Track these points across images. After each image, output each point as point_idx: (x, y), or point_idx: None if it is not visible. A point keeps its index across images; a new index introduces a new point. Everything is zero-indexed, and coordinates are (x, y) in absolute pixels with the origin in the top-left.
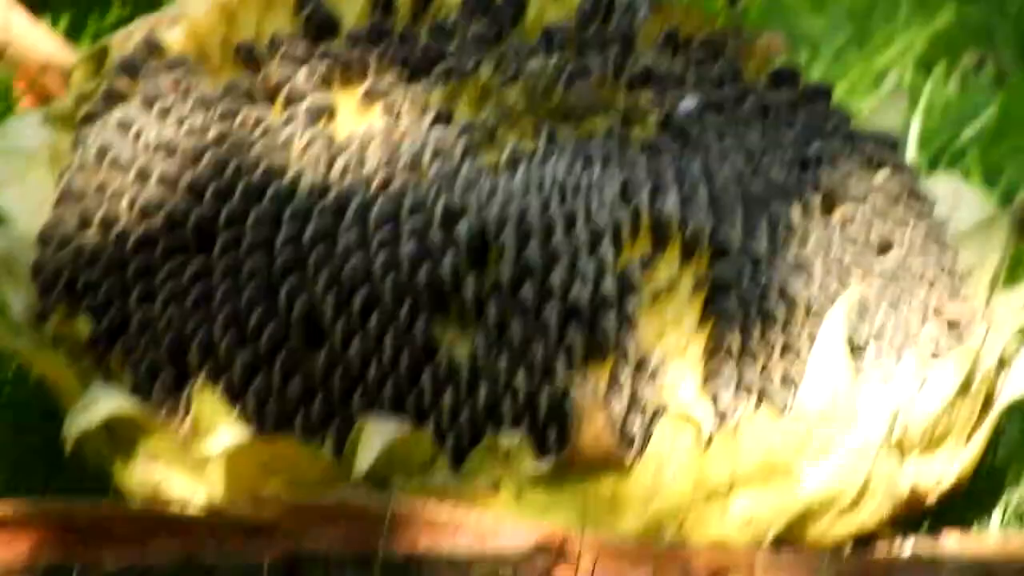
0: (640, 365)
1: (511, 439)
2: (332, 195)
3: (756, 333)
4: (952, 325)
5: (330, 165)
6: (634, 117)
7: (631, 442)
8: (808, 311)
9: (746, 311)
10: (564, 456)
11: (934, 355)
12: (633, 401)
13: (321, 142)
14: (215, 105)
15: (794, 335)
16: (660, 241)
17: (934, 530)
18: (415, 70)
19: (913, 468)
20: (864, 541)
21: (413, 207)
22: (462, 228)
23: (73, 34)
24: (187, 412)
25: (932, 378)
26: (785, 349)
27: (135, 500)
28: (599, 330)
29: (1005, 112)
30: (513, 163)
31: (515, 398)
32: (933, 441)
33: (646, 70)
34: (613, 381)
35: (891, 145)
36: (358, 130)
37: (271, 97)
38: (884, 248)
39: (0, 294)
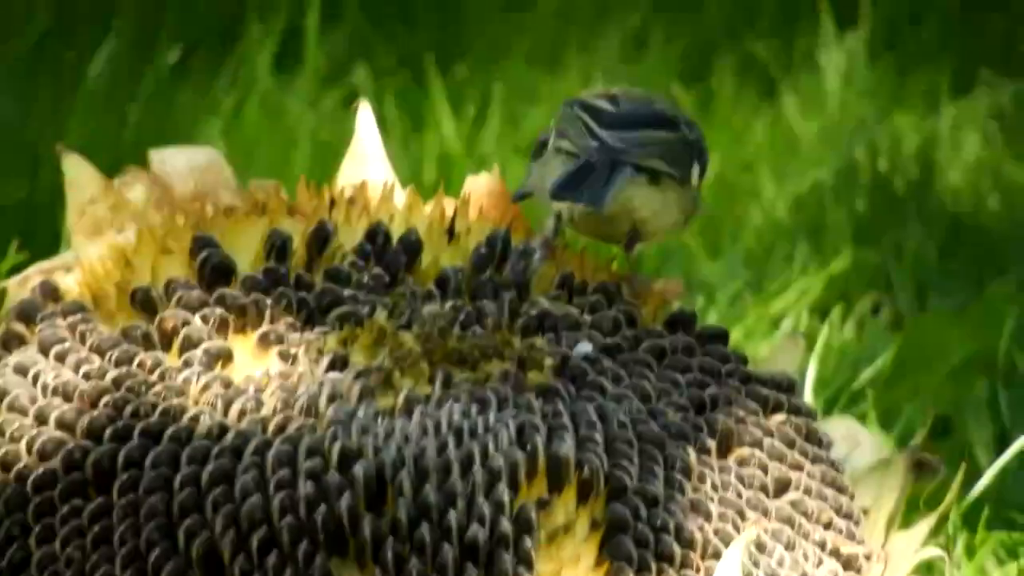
0: None
1: None
2: (230, 437)
3: (653, 574)
4: (848, 566)
5: (227, 408)
6: (530, 361)
7: None
8: (704, 552)
9: (642, 552)
10: None
11: None
12: None
13: (218, 386)
14: (112, 350)
15: None
16: (556, 482)
17: None
18: (310, 315)
19: None
20: None
21: (310, 449)
22: (359, 470)
23: None
24: None
25: None
26: None
27: None
28: (496, 570)
29: (902, 355)
30: (409, 407)
31: None
32: None
33: (541, 315)
34: None
35: (788, 388)
36: (255, 374)
37: (168, 342)
38: (780, 490)
39: None
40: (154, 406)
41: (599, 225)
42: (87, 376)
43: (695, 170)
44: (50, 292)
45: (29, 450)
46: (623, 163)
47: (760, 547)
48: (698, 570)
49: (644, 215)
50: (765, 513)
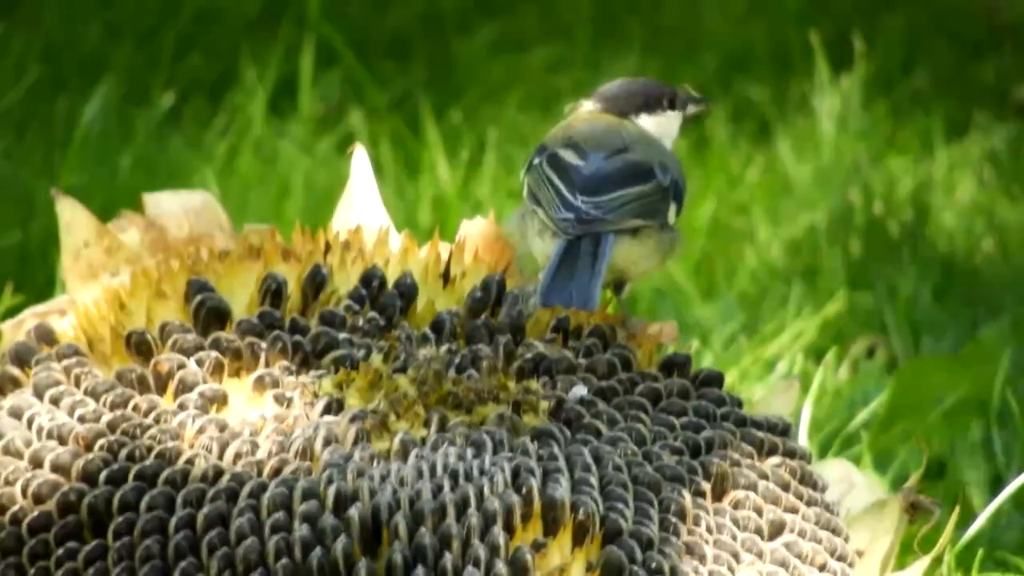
0: None
1: None
2: (225, 480)
3: None
4: None
5: (223, 451)
6: (525, 405)
7: None
8: None
9: None
10: None
11: None
12: None
13: (213, 429)
14: (107, 393)
15: None
16: (552, 525)
17: None
18: (306, 358)
19: None
20: None
21: (306, 492)
22: (354, 513)
23: None
24: None
25: None
26: None
27: None
28: None
29: (896, 398)
30: (404, 450)
31: None
32: None
33: (536, 358)
34: None
35: (782, 431)
36: (250, 417)
37: (163, 385)
38: (775, 532)
39: None
40: (149, 449)
41: None
42: (82, 419)
43: (672, 210)
44: (45, 335)
45: (24, 493)
46: (603, 233)
47: None
48: None
49: (626, 266)
50: (760, 556)
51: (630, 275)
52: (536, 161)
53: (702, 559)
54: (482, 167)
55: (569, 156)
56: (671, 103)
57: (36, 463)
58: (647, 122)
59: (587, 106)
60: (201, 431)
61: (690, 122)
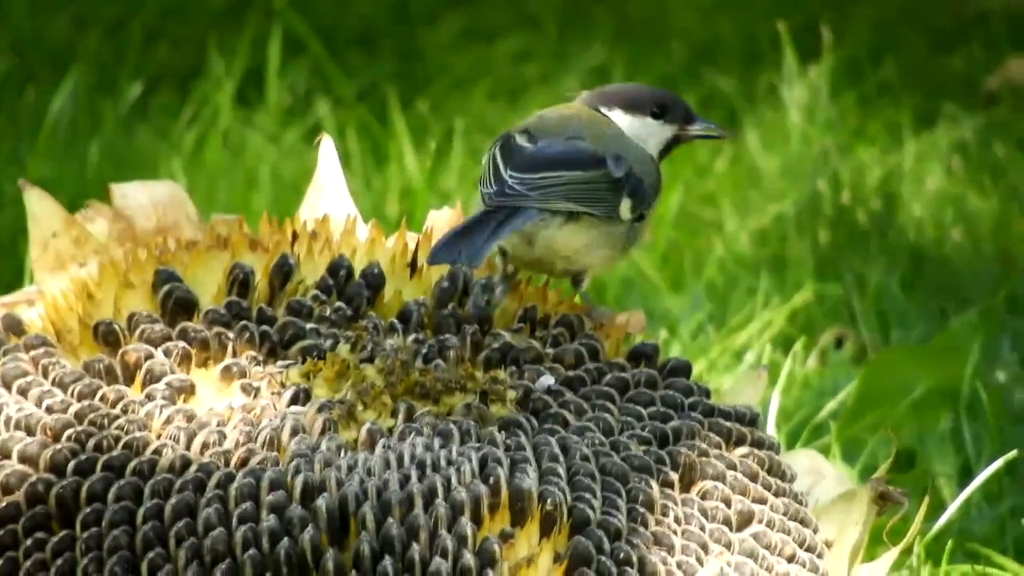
0: None
1: None
2: (193, 471)
3: None
4: None
5: (190, 442)
6: (492, 394)
7: None
8: None
9: None
10: None
11: None
12: None
13: (181, 419)
14: (75, 383)
15: None
16: (519, 516)
17: None
18: (273, 348)
19: None
20: None
21: (273, 483)
22: (321, 503)
23: None
24: None
25: None
26: None
27: None
28: None
29: (864, 388)
30: (372, 440)
31: None
32: None
33: (503, 348)
34: None
35: (751, 421)
36: (217, 407)
37: (130, 375)
38: (744, 523)
39: None
40: (117, 439)
41: (532, 262)
42: (50, 410)
43: (624, 204)
44: (12, 326)
45: None
46: (526, 209)
47: None
48: None
49: (568, 253)
50: (728, 546)
51: (579, 265)
52: (494, 142)
53: (670, 549)
54: (449, 157)
55: (522, 140)
56: (657, 113)
57: (4, 454)
58: (622, 120)
59: (579, 98)
60: (168, 421)
61: (686, 141)
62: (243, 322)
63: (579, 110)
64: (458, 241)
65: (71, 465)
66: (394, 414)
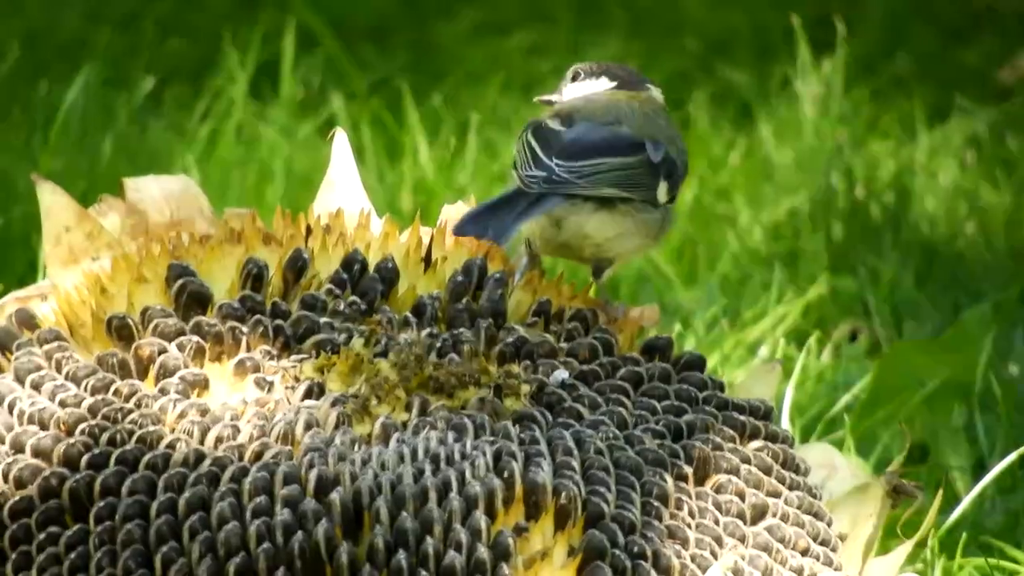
0: None
1: None
2: (206, 464)
3: None
4: None
5: (204, 436)
6: (506, 388)
7: None
8: None
9: None
10: None
11: None
12: None
13: (194, 413)
14: (88, 378)
15: None
16: (533, 509)
17: None
18: (287, 342)
19: None
20: None
21: (287, 477)
22: (335, 497)
23: None
24: None
25: None
26: None
27: None
28: None
29: (878, 382)
30: (386, 434)
31: None
32: None
33: (518, 342)
34: None
35: (764, 415)
36: (231, 401)
37: (144, 369)
38: (758, 517)
39: None
40: (130, 434)
41: (559, 249)
42: (63, 404)
43: (662, 187)
44: (26, 320)
45: (5, 478)
46: (557, 194)
47: (737, 574)
48: None
49: (600, 240)
50: (742, 540)
51: (610, 253)
52: (524, 128)
53: (684, 543)
54: (464, 151)
55: (555, 124)
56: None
57: (17, 448)
58: (656, 92)
59: (602, 83)
60: (182, 415)
61: None
62: (257, 316)
63: (611, 94)
64: (487, 216)
65: (84, 459)
66: (408, 408)
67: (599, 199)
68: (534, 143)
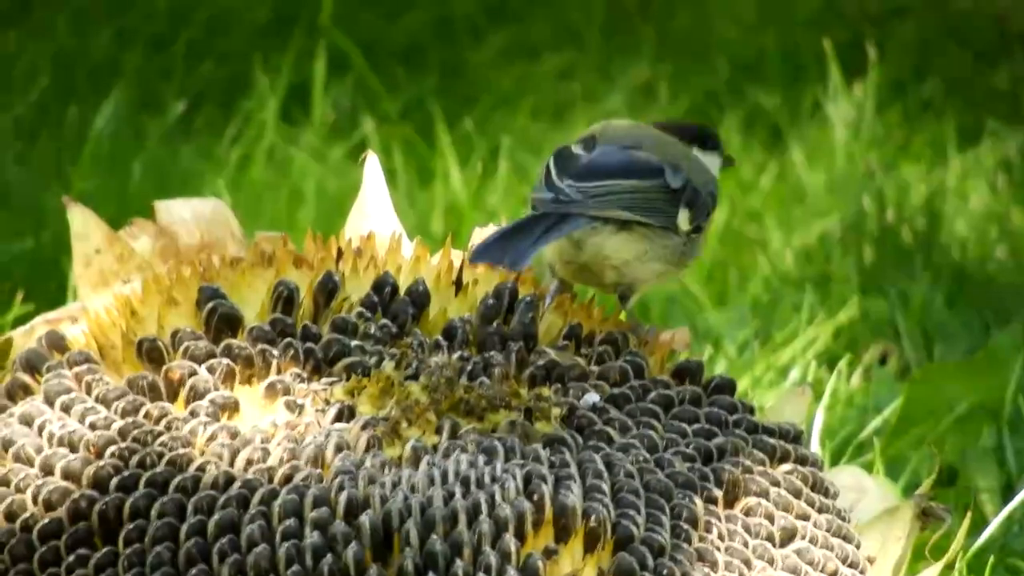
0: None
1: None
2: (236, 487)
3: None
4: None
5: (234, 458)
6: (537, 411)
7: None
8: None
9: None
10: None
11: None
12: None
13: (224, 436)
14: (118, 400)
15: None
16: (563, 532)
17: None
18: (317, 365)
19: None
20: None
21: (317, 499)
22: (365, 520)
23: None
24: None
25: None
26: None
27: None
28: None
29: (908, 405)
30: (416, 457)
31: None
32: None
33: (548, 365)
34: None
35: (794, 438)
36: (261, 424)
37: (174, 392)
38: (787, 539)
39: None
40: (160, 456)
41: (580, 274)
42: (93, 426)
43: (682, 215)
44: (56, 342)
45: (35, 500)
46: (576, 216)
47: None
48: None
49: (618, 264)
50: (771, 562)
51: (629, 278)
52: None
53: (714, 566)
54: (495, 175)
55: (577, 148)
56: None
57: (47, 470)
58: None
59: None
60: (212, 438)
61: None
62: (287, 339)
63: (642, 126)
64: (504, 243)
65: (114, 482)
66: (438, 431)
67: (619, 222)
68: (551, 166)
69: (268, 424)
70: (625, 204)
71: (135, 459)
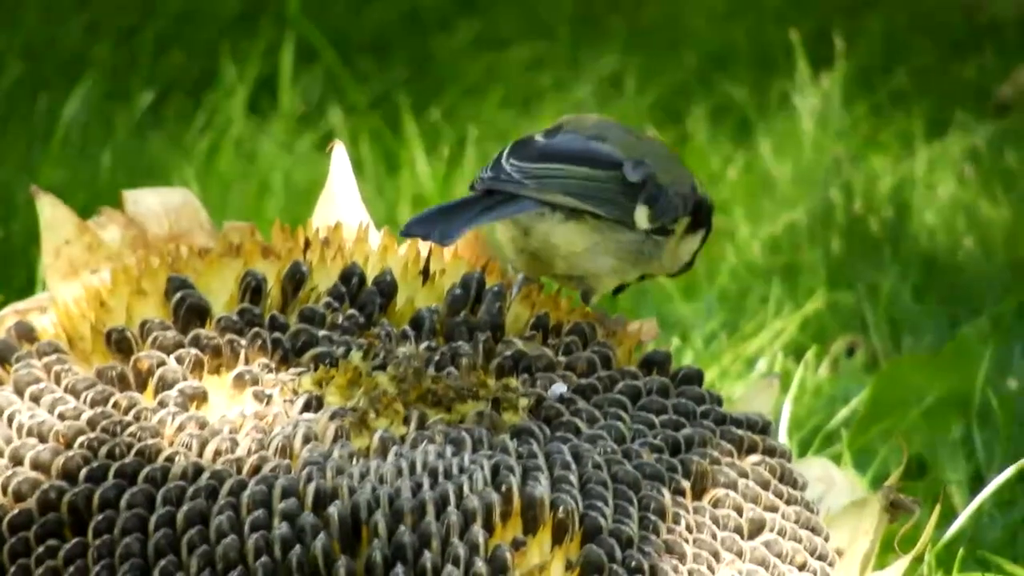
0: None
1: None
2: (205, 478)
3: None
4: None
5: (202, 449)
6: (504, 402)
7: None
8: None
9: None
10: None
11: None
12: None
13: (193, 426)
14: (87, 390)
15: None
16: (531, 524)
17: None
18: (285, 355)
19: None
20: None
21: (285, 490)
22: (334, 511)
23: None
24: None
25: None
26: None
27: None
28: None
29: (876, 396)
30: (384, 447)
31: None
32: None
33: (516, 356)
34: None
35: (762, 429)
36: (230, 414)
37: (143, 382)
38: (755, 531)
39: None
40: (129, 447)
41: (533, 264)
42: (62, 417)
43: (640, 211)
44: (25, 333)
45: (4, 491)
46: (524, 199)
47: None
48: None
49: (566, 254)
50: (739, 555)
51: (580, 270)
52: None
53: (682, 558)
54: (462, 165)
55: (539, 136)
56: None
57: (16, 460)
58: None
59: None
60: (181, 428)
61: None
62: (255, 329)
63: (621, 124)
64: (437, 218)
65: (83, 472)
66: (406, 422)
67: (569, 211)
68: (506, 149)
69: (236, 414)
70: (570, 190)
71: (104, 449)
